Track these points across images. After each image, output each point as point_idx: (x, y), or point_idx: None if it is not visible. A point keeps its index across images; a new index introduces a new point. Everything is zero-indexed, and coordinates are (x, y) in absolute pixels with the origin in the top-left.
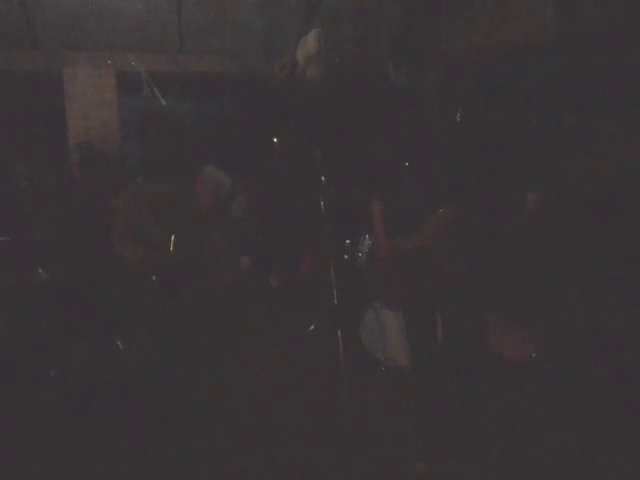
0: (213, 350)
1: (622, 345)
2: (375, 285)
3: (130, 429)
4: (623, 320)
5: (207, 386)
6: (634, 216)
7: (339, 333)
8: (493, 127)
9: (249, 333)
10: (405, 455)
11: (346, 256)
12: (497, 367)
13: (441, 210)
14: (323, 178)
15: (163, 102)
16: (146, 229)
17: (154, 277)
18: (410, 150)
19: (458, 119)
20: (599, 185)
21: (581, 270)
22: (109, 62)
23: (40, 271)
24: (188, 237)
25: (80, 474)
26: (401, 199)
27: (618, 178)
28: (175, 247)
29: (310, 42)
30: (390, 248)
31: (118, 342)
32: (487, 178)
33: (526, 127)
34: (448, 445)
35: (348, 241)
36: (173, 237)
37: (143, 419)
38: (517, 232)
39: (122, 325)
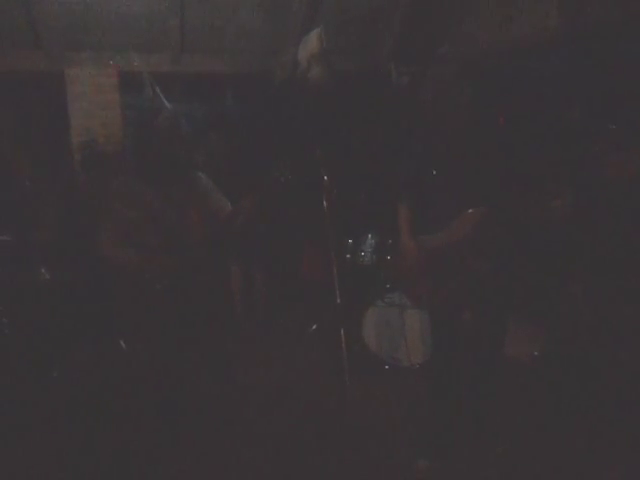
0: (215, 351)
1: (625, 343)
2: (401, 285)
3: (133, 429)
4: (626, 318)
5: (210, 386)
6: (636, 214)
7: (342, 332)
8: (509, 127)
9: (252, 333)
10: (408, 454)
11: (348, 255)
12: (500, 365)
13: (471, 210)
14: (325, 178)
15: (165, 102)
16: (137, 230)
17: (148, 279)
18: (437, 154)
19: (469, 120)
20: (602, 184)
21: (583, 268)
22: (111, 62)
23: (43, 271)
24: (180, 240)
25: (82, 475)
26: (428, 201)
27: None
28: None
29: (312, 42)
30: (415, 249)
31: (121, 342)
32: (510, 178)
33: (541, 125)
34: (455, 444)
35: (350, 240)
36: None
37: (145, 419)
38: (540, 233)
39: (125, 326)
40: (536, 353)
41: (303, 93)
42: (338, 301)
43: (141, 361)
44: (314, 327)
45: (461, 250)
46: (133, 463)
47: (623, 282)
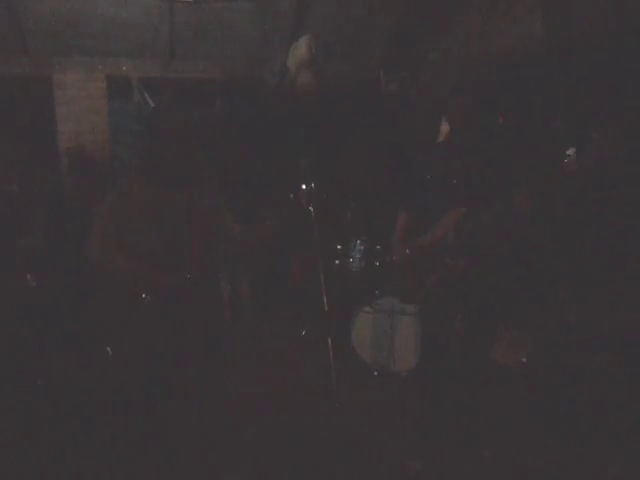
0: (205, 357)
1: (613, 348)
2: (392, 284)
3: (121, 435)
4: (613, 322)
5: (199, 392)
6: (623, 218)
7: (329, 339)
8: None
9: (241, 340)
10: (396, 459)
11: (337, 261)
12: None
13: (453, 210)
14: (313, 185)
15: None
16: (135, 237)
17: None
18: (433, 162)
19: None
20: (590, 187)
21: (570, 273)
22: (100, 67)
23: (29, 277)
24: (183, 247)
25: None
26: (422, 206)
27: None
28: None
29: (301, 48)
30: (405, 251)
31: (108, 349)
32: (489, 178)
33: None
34: (444, 448)
35: (339, 246)
36: None
37: (133, 425)
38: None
39: (111, 332)
40: (524, 360)
41: (292, 99)
42: (326, 308)
43: (130, 367)
44: (303, 333)
45: (440, 248)
46: (120, 469)
47: (610, 287)
